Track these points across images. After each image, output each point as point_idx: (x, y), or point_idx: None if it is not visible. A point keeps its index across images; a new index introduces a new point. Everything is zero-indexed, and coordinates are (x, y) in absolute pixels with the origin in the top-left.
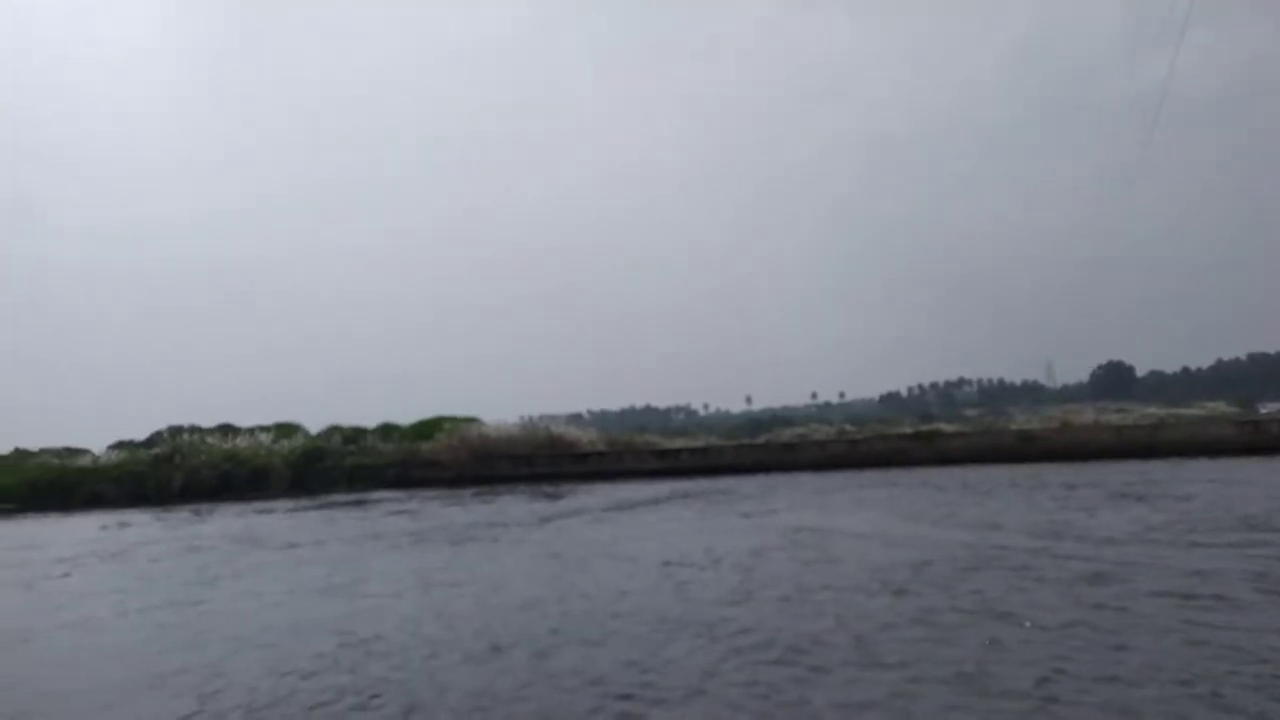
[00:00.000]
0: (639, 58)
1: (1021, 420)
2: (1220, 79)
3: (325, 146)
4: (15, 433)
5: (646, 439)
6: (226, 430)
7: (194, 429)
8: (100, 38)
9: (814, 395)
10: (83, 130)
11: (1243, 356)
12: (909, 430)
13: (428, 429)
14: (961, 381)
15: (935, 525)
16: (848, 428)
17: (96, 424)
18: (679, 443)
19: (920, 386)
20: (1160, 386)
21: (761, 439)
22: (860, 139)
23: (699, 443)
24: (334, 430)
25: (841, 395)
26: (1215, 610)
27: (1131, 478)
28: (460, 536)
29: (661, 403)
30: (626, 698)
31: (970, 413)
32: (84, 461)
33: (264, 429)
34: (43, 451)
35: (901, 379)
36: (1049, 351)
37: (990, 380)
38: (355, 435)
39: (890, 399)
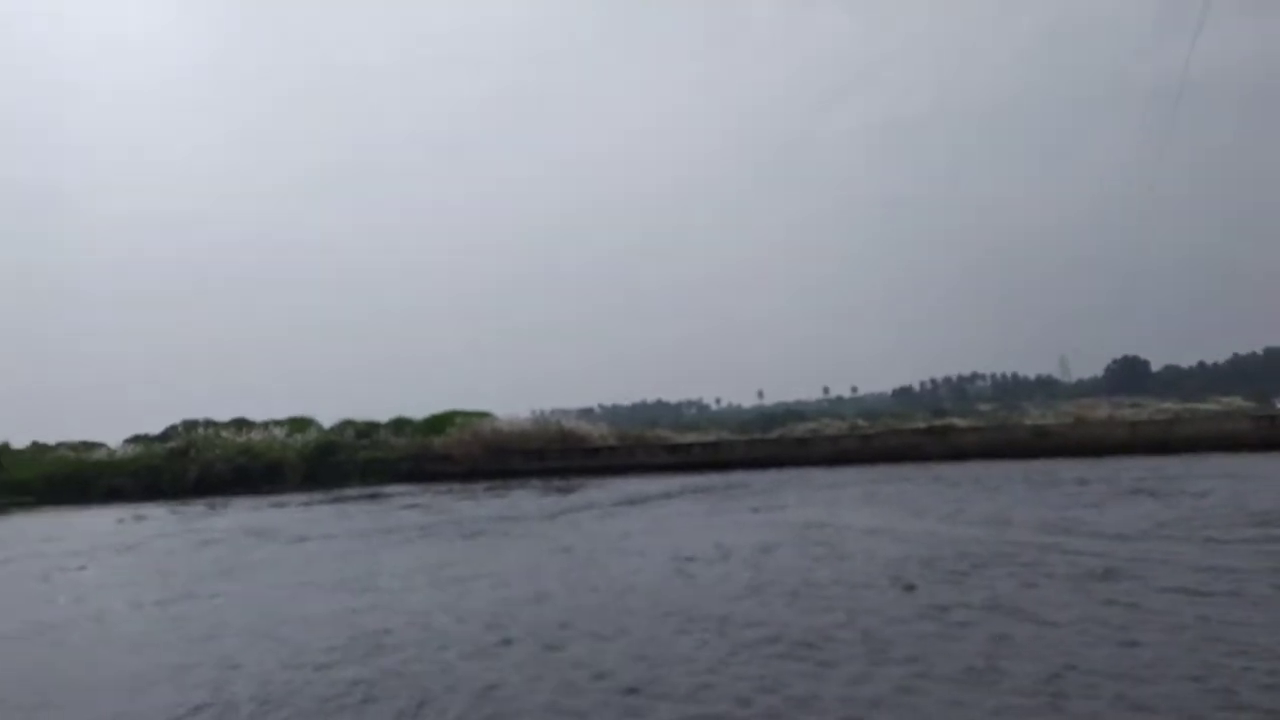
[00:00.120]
0: (649, 43)
1: (1035, 415)
2: (1245, 68)
3: (335, 138)
4: (32, 426)
5: (658, 433)
6: (241, 424)
7: (208, 423)
8: (109, 30)
9: (826, 390)
10: (92, 120)
11: (1259, 351)
12: (922, 425)
13: (440, 423)
14: (975, 376)
15: (946, 521)
16: (860, 422)
17: (112, 418)
18: (690, 437)
19: (933, 381)
20: (1176, 381)
21: (773, 434)
22: (876, 128)
23: (710, 437)
24: (347, 424)
25: (854, 390)
26: (1230, 607)
27: (1146, 473)
28: (472, 530)
29: (673, 397)
30: (633, 691)
31: (984, 407)
32: (100, 455)
33: (278, 423)
34: (60, 445)
35: (914, 373)
36: (1063, 346)
37: (1004, 375)
38: (368, 429)
39: (903, 394)
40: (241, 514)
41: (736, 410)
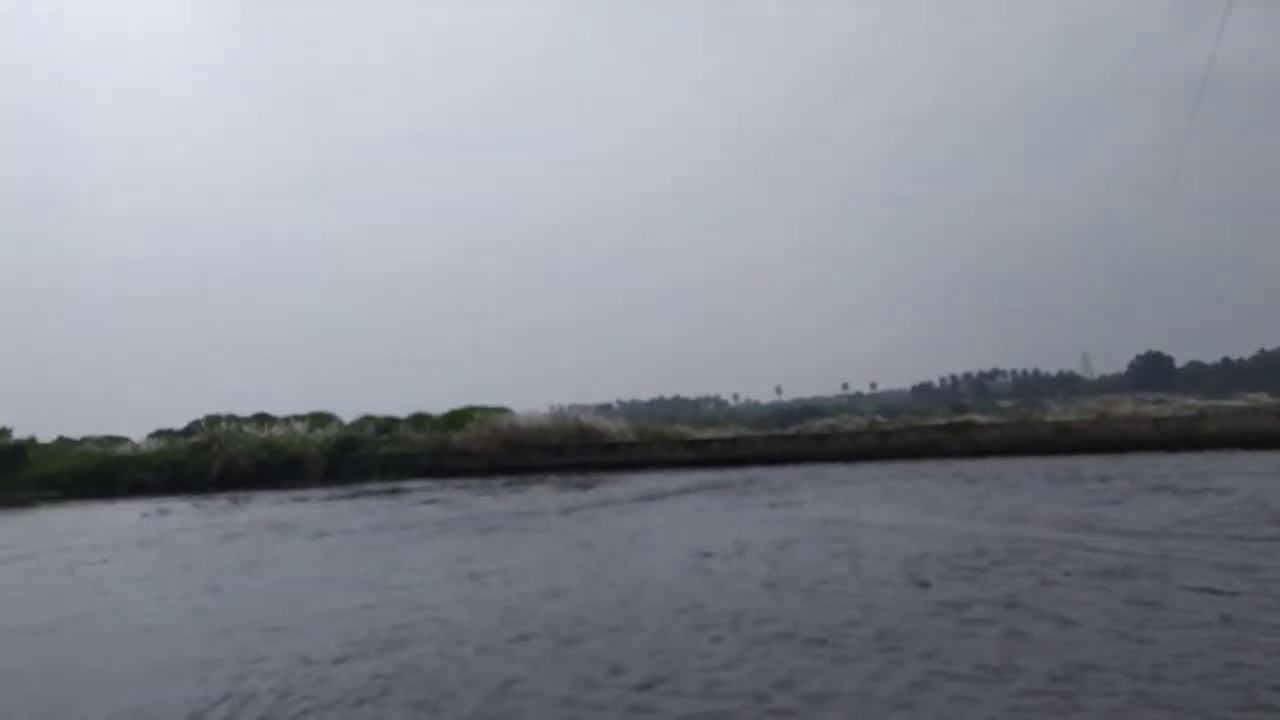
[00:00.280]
0: (659, 39)
1: (1057, 412)
2: (1263, 62)
3: (341, 138)
4: (58, 422)
5: (676, 429)
6: (263, 419)
7: (231, 418)
8: (109, 29)
9: (845, 386)
10: (111, 119)
11: None
12: (941, 421)
13: (459, 419)
14: (995, 372)
15: (965, 517)
16: (879, 419)
17: (136, 413)
18: (708, 433)
19: (953, 377)
20: (1200, 377)
21: (792, 430)
22: (893, 123)
23: (729, 433)
24: (367, 420)
25: (873, 386)
26: (1254, 606)
27: (1169, 471)
28: (490, 526)
29: (691, 393)
30: (648, 687)
31: (1004, 404)
32: (124, 450)
33: (299, 418)
34: (85, 440)
35: (934, 370)
36: (1086, 342)
37: (1025, 371)
38: (388, 425)
39: (922, 390)
40: (264, 508)
41: (754, 406)
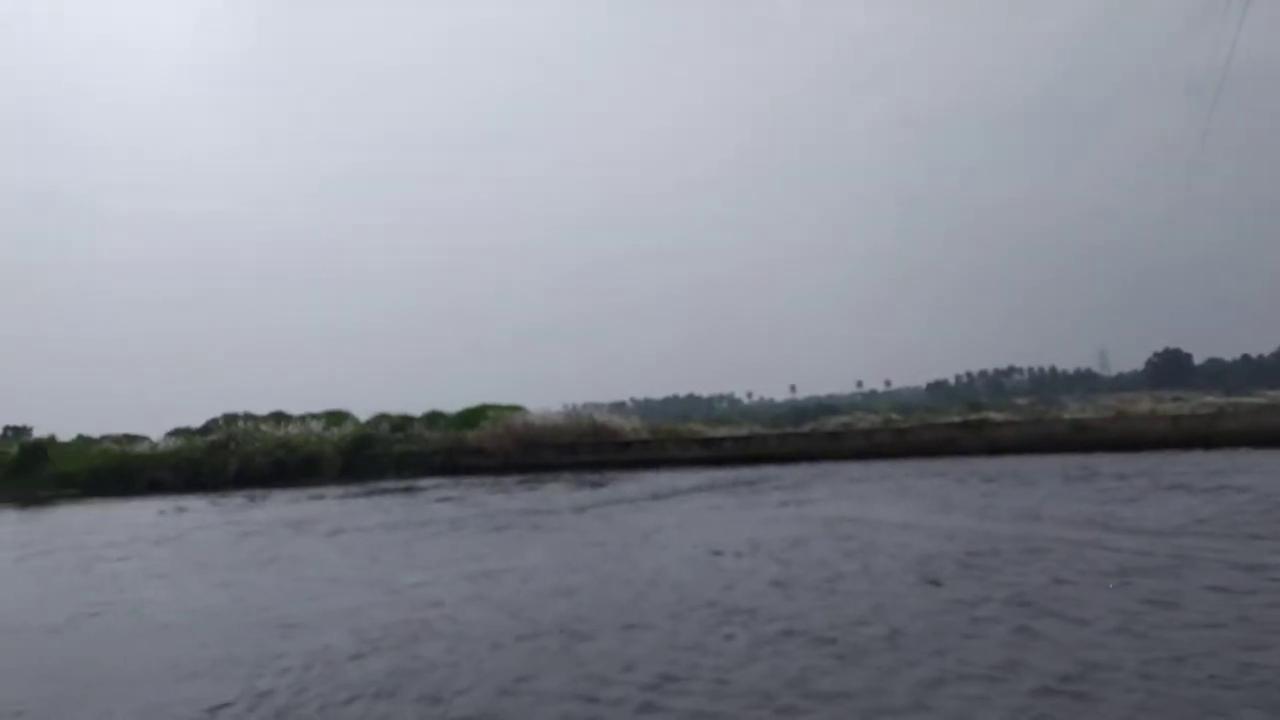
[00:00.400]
0: (677, 40)
1: (1074, 409)
2: None
3: (362, 132)
4: (77, 420)
5: (690, 427)
6: (279, 418)
7: (248, 416)
8: (119, 31)
9: (859, 383)
10: (127, 119)
11: None
12: (957, 419)
13: (473, 417)
14: (1011, 369)
15: (978, 516)
16: (894, 416)
17: (154, 412)
18: (722, 431)
19: (968, 374)
20: (1219, 374)
21: (806, 427)
22: (909, 120)
23: (742, 431)
24: (382, 418)
25: (887, 383)
26: (1270, 605)
27: (1187, 469)
28: (503, 524)
29: (705, 391)
30: (655, 686)
31: (1021, 401)
32: (143, 448)
33: (315, 416)
34: (104, 438)
35: (949, 367)
36: (1103, 339)
37: (1041, 368)
38: (403, 423)
39: (937, 387)
40: (280, 506)
41: (768, 404)
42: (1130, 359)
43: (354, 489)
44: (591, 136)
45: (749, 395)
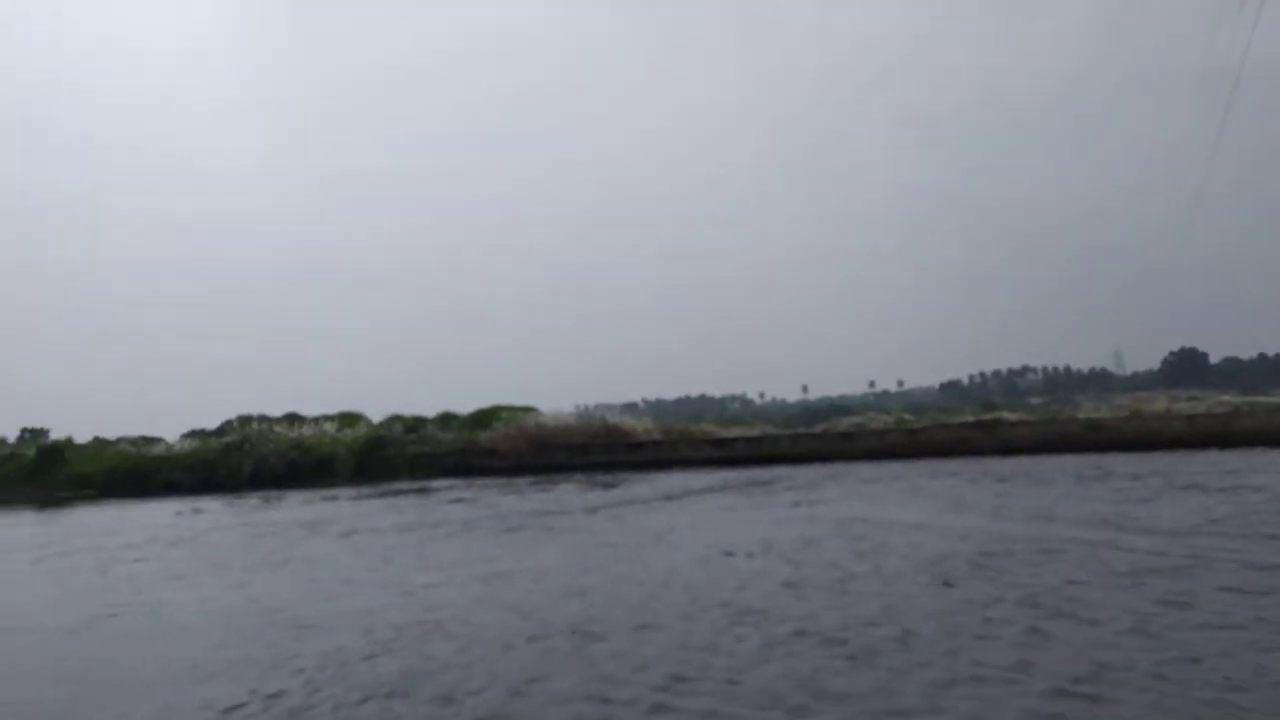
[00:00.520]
0: (688, 40)
1: (1089, 408)
2: None
3: (373, 133)
4: (94, 422)
5: (702, 428)
6: (293, 419)
7: (262, 418)
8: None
9: (872, 383)
10: (145, 121)
11: None
12: (970, 419)
13: (486, 418)
14: (1025, 369)
15: (991, 516)
16: (906, 416)
17: (169, 414)
18: (734, 432)
19: (982, 374)
20: (1236, 373)
21: (818, 428)
22: (922, 118)
23: (754, 432)
24: (395, 419)
25: (900, 383)
26: None
27: (1203, 468)
28: (515, 525)
29: (717, 391)
30: (666, 687)
31: (1034, 401)
32: (159, 450)
33: (328, 418)
34: (120, 440)
35: (962, 366)
36: (1117, 337)
37: (1055, 368)
38: (415, 424)
39: (950, 387)
40: (295, 507)
41: (780, 405)
42: (1145, 358)
43: (367, 490)
44: (601, 137)
45: (761, 395)
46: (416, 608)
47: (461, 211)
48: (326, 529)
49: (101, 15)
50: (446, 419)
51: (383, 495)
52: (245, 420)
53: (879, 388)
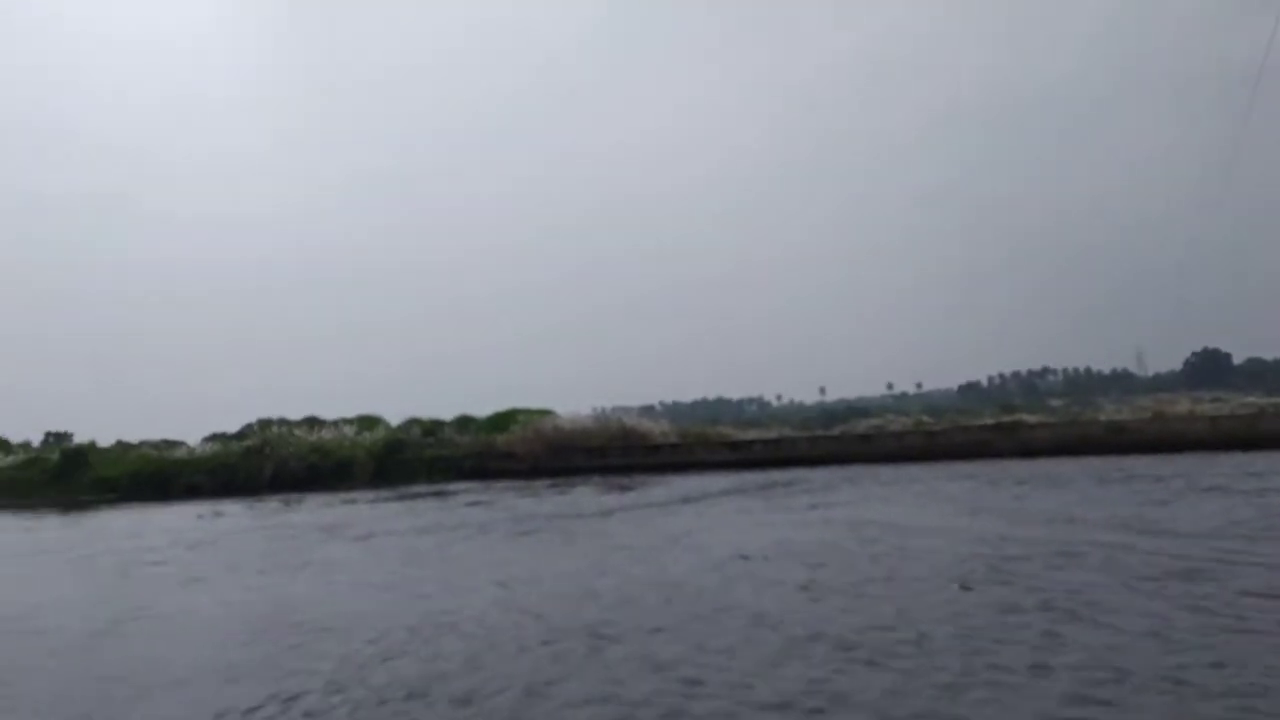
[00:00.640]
0: (715, 44)
1: (1110, 410)
2: None
3: (386, 133)
4: (116, 426)
5: (719, 430)
6: (312, 423)
7: (282, 421)
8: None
9: (890, 386)
10: (161, 121)
11: None
12: (990, 421)
13: (503, 421)
14: (1045, 371)
15: (1009, 519)
16: (925, 419)
17: (191, 417)
18: (752, 434)
19: (1001, 376)
20: (1260, 374)
21: (836, 430)
22: (939, 120)
23: (772, 434)
24: (413, 423)
25: (919, 385)
26: None
27: (1227, 471)
28: (532, 528)
29: (734, 394)
30: (679, 692)
31: (1055, 403)
32: (180, 453)
33: (347, 421)
34: (142, 444)
35: (981, 368)
36: (1139, 338)
37: (1076, 369)
38: (433, 427)
39: (970, 389)
40: (314, 510)
41: (798, 407)
42: (1167, 359)
43: (386, 493)
44: (612, 134)
45: (778, 398)
46: (433, 610)
47: (476, 210)
48: (345, 532)
49: (100, 15)
50: (464, 422)
51: (401, 498)
52: (265, 424)
53: (897, 390)
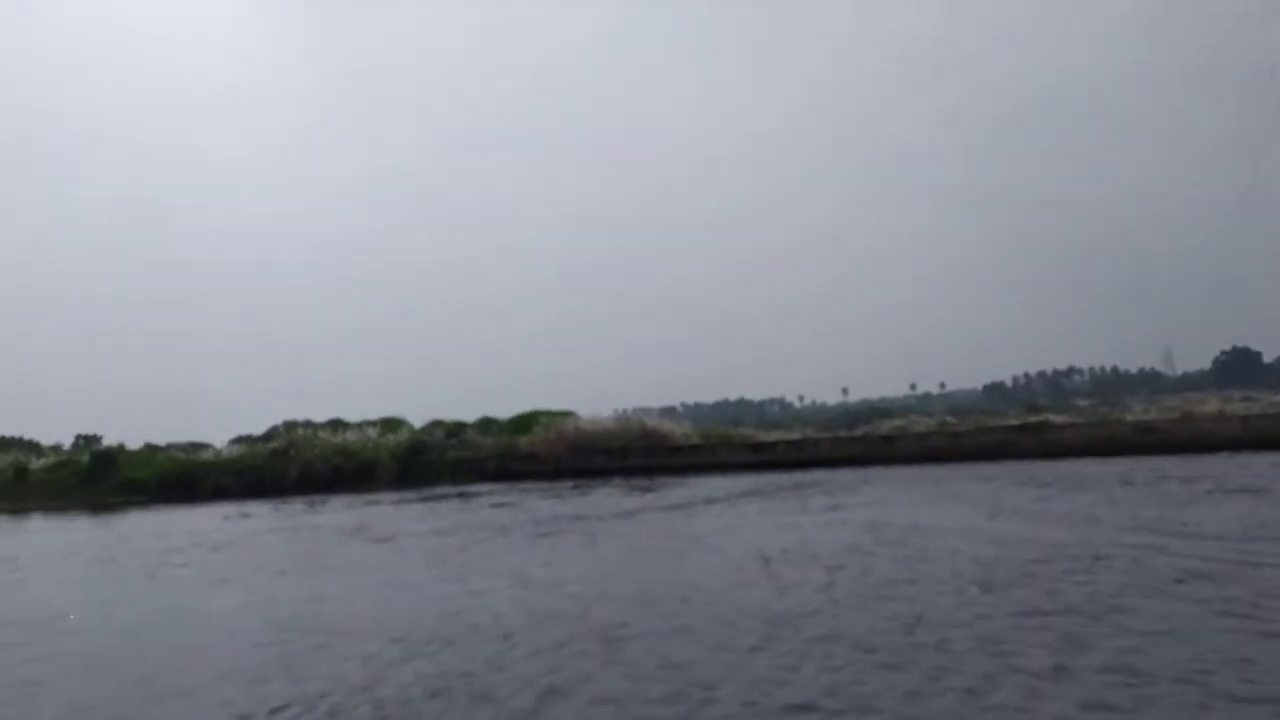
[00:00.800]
0: (733, 47)
1: (1138, 410)
2: None
3: (413, 132)
4: (144, 428)
5: (740, 431)
6: (337, 425)
7: (307, 423)
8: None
9: (913, 386)
10: (162, 121)
11: None
12: (1014, 422)
13: (525, 423)
14: (1071, 370)
15: (1032, 521)
16: (949, 419)
17: (217, 419)
18: (773, 435)
19: (1026, 375)
20: None
21: (858, 431)
22: (967, 117)
23: (794, 435)
24: (436, 425)
25: (942, 386)
26: None
27: (1259, 471)
28: (554, 529)
29: (756, 395)
30: (697, 694)
31: (1081, 403)
32: (207, 456)
33: (371, 423)
34: (170, 446)
35: (1006, 368)
36: (1167, 337)
37: (1103, 368)
38: (456, 429)
39: (994, 389)
40: (339, 512)
41: (820, 408)
42: (1196, 358)
43: (409, 494)
44: (648, 146)
45: (800, 399)
46: (454, 611)
47: (492, 211)
48: (369, 533)
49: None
50: (486, 424)
51: (424, 500)
52: (291, 426)
53: (920, 390)
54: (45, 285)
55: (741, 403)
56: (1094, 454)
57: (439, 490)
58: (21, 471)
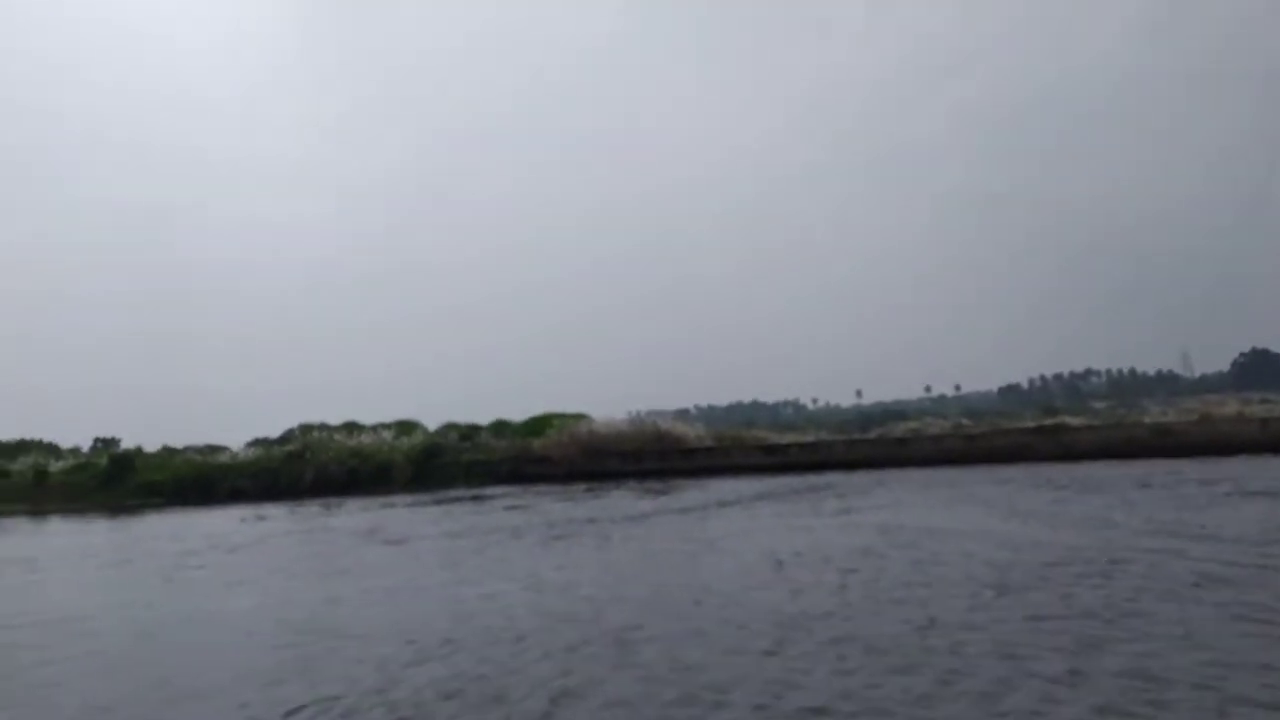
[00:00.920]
0: (744, 45)
1: (1156, 413)
2: None
3: (419, 131)
4: (162, 431)
5: (754, 434)
6: (352, 428)
7: (323, 426)
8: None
9: (928, 388)
10: (166, 123)
11: None
12: (1030, 424)
13: (538, 426)
14: (1088, 372)
15: (1048, 524)
16: (964, 422)
17: (234, 422)
18: (787, 438)
19: (1042, 378)
20: None
21: (872, 434)
22: (981, 116)
23: (808, 438)
24: (450, 427)
25: (957, 388)
26: None
27: (1278, 474)
28: (567, 532)
29: (769, 397)
30: (709, 697)
31: (1098, 405)
32: (224, 458)
33: (385, 426)
34: (187, 449)
35: (1022, 370)
36: (1185, 339)
37: (1120, 370)
38: (470, 432)
39: (1010, 391)
40: (354, 514)
41: (834, 410)
42: (1214, 360)
43: (423, 497)
44: (660, 147)
45: (814, 401)
46: (468, 613)
47: (509, 212)
48: (384, 536)
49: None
50: (500, 426)
51: (438, 502)
52: (306, 429)
53: (935, 392)
54: (47, 286)
55: (755, 405)
56: (1111, 456)
57: (453, 493)
58: (41, 474)
